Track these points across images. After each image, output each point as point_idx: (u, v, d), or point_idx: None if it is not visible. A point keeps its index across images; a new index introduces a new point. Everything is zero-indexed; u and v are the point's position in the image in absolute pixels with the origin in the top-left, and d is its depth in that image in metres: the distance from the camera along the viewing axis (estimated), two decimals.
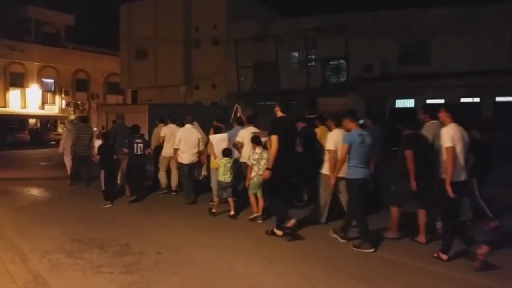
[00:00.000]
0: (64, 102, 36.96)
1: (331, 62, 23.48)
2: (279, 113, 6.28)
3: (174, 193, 9.31)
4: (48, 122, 35.77)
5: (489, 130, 6.98)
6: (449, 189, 4.92)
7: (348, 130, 5.89)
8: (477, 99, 19.78)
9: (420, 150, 5.73)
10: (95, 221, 7.00)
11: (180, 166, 8.61)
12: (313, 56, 24.03)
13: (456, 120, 5.22)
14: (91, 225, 6.65)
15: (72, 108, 36.75)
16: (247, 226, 6.68)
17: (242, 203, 7.66)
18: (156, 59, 29.41)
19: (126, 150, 8.81)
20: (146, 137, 9.91)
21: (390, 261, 5.15)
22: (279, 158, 5.91)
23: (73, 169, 10.91)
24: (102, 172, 8.31)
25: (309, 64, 23.74)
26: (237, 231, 6.41)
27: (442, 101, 20.45)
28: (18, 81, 34.64)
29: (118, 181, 9.42)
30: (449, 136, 5.02)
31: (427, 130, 6.23)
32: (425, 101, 21.00)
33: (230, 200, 7.32)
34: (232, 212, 7.23)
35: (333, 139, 6.21)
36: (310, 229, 6.41)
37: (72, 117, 33.62)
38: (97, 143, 9.21)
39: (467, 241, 5.08)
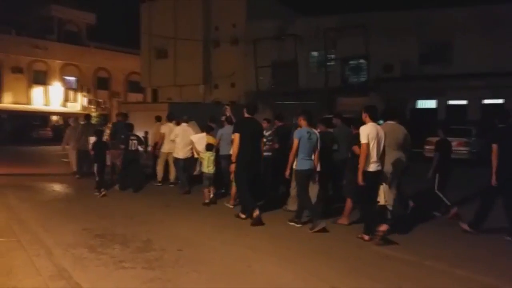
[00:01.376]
0: (85, 100, 37.56)
1: (351, 62, 23.34)
2: (245, 114, 7.27)
3: (172, 185, 10.25)
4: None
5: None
6: (360, 178, 5.70)
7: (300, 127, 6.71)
8: (500, 101, 19.39)
9: None
10: (116, 217, 7.13)
11: (176, 160, 9.73)
12: (332, 56, 23.92)
13: (375, 120, 5.98)
14: (113, 221, 6.76)
15: (94, 106, 37.33)
16: (266, 225, 6.70)
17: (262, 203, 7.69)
18: (176, 58, 29.66)
19: (122, 146, 9.79)
20: None
21: (412, 263, 5.10)
22: (241, 154, 6.87)
23: (78, 162, 11.64)
24: (96, 165, 9.29)
25: (328, 63, 23.63)
26: (256, 229, 6.43)
27: (464, 102, 20.16)
28: (41, 78, 35.32)
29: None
30: (365, 133, 5.74)
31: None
32: (447, 102, 20.72)
33: (210, 190, 8.31)
34: (206, 201, 8.23)
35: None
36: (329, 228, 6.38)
37: (94, 114, 34.16)
38: (92, 139, 10.08)
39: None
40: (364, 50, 21.69)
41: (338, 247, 5.65)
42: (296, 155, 6.48)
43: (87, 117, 12.96)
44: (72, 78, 37.28)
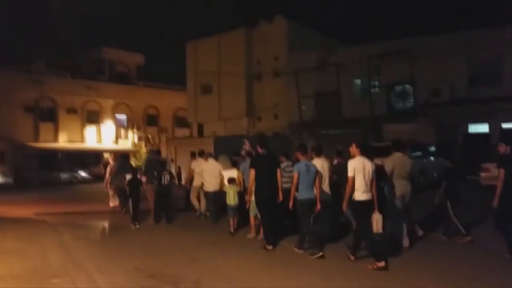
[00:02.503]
0: (136, 137, 38.97)
1: (396, 88, 22.92)
2: (259, 150, 7.81)
3: (203, 217, 10.76)
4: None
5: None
6: (344, 206, 6.40)
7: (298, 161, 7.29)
8: None
9: None
10: (166, 255, 7.18)
11: (206, 193, 10.39)
12: (376, 82, 23.61)
13: (364, 153, 6.36)
14: (163, 260, 6.81)
15: (143, 142, 38.63)
16: (316, 263, 6.51)
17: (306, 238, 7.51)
18: (220, 93, 30.41)
19: (155, 181, 10.43)
20: None
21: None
22: (257, 187, 7.42)
23: (121, 198, 12.06)
24: (131, 200, 10.01)
25: (372, 90, 23.32)
26: (309, 268, 6.25)
27: None
28: (94, 118, 37.11)
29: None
30: (352, 167, 6.26)
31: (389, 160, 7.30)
32: (500, 125, 19.76)
33: (234, 220, 8.83)
34: (232, 230, 8.77)
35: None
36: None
37: (144, 150, 35.32)
38: (128, 176, 10.58)
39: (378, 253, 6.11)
40: (409, 75, 21.28)
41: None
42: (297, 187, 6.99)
43: (124, 156, 13.76)
44: (123, 116, 38.91)
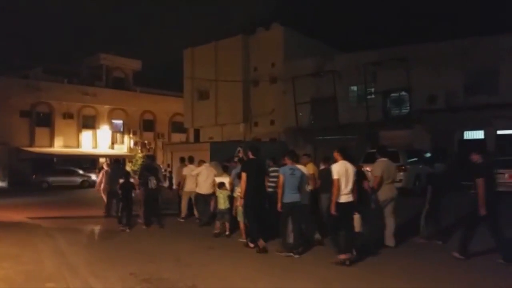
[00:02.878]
0: (132, 142, 38.90)
1: (392, 95, 23.03)
2: (250, 156, 8.24)
3: (198, 221, 10.92)
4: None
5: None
6: (332, 208, 6.62)
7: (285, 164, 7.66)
8: None
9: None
10: (161, 260, 7.16)
11: (198, 195, 10.79)
12: (372, 89, 23.72)
13: (346, 158, 6.83)
14: (158, 265, 6.80)
15: (139, 147, 38.56)
16: (313, 269, 6.52)
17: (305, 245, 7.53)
18: (217, 99, 30.48)
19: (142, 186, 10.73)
20: None
21: None
22: (248, 191, 7.73)
23: (108, 202, 12.33)
24: (121, 203, 10.43)
25: (368, 97, 23.42)
26: (303, 273, 6.26)
27: None
28: (90, 123, 37.02)
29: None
30: (336, 171, 6.68)
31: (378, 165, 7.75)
32: (496, 132, 19.88)
33: (227, 224, 9.14)
34: (227, 232, 9.11)
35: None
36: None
37: (140, 155, 35.29)
38: (121, 180, 10.97)
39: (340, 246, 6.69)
40: (405, 82, 21.39)
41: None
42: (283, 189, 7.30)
43: (117, 161, 13.92)
44: (119, 122, 38.85)
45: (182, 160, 12.56)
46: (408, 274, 6.16)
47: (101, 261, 7.23)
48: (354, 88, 24.55)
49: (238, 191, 8.43)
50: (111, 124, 38.13)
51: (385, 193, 7.54)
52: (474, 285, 5.79)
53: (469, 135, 20.87)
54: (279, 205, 7.35)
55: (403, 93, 22.45)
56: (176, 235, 9.72)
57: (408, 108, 22.29)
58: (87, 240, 9.25)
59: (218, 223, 9.31)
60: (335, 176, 6.63)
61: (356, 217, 6.84)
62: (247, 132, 29.06)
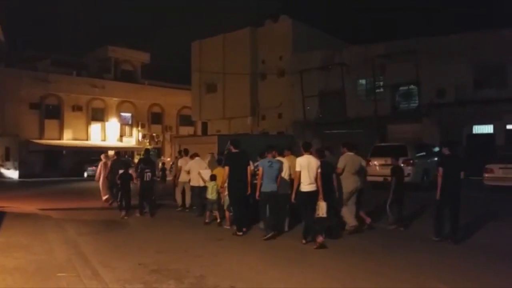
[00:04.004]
0: (140, 135, 39.12)
1: (401, 88, 22.90)
2: (233, 149, 8.71)
3: (187, 210, 11.84)
4: (126, 154, 37.91)
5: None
6: (292, 197, 7.59)
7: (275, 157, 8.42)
8: None
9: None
10: (170, 251, 7.24)
11: (192, 188, 11.46)
12: (381, 83, 23.58)
13: (309, 151, 7.67)
14: (166, 255, 6.88)
15: (147, 140, 38.76)
16: (320, 260, 6.57)
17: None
18: (224, 92, 30.48)
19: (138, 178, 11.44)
20: None
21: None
22: (230, 182, 8.38)
23: (111, 192, 13.14)
24: (120, 192, 11.17)
25: (377, 90, 23.30)
26: (310, 265, 6.31)
27: None
28: (99, 115, 37.24)
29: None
30: (299, 164, 7.48)
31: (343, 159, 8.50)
32: (505, 126, 19.72)
33: (217, 213, 9.74)
34: (218, 220, 9.67)
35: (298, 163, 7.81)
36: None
37: (149, 147, 35.48)
38: (120, 171, 11.81)
39: (315, 231, 7.31)
40: (414, 75, 21.25)
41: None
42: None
43: (117, 153, 15.06)
44: (127, 114, 39.04)
45: (179, 152, 13.49)
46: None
47: (110, 251, 7.34)
48: (363, 81, 24.42)
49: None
50: (119, 116, 38.33)
51: (350, 184, 8.30)
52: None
53: (478, 129, 20.72)
54: (257, 193, 8.04)
55: (412, 86, 22.32)
56: (183, 226, 9.87)
57: (417, 101, 22.16)
58: (96, 231, 9.36)
59: (208, 213, 9.90)
60: (297, 168, 7.44)
61: (322, 204, 7.40)
62: (254, 125, 29.07)
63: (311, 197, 7.42)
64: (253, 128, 28.82)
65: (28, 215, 11.50)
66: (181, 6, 75.93)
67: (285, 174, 8.44)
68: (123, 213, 10.94)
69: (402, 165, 11.93)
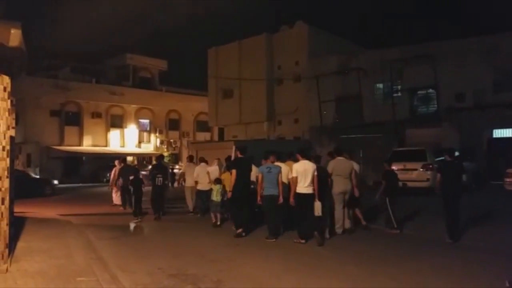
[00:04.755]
0: (158, 141, 39.51)
1: (419, 92, 22.64)
2: (238, 155, 9.37)
3: (191, 213, 12.50)
4: (144, 160, 38.32)
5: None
6: (291, 199, 8.15)
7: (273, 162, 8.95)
8: None
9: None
10: (188, 255, 7.29)
11: (199, 192, 11.91)
12: (399, 87, 23.34)
13: (306, 157, 8.32)
14: (184, 260, 6.92)
15: (165, 146, 39.13)
16: (339, 267, 6.53)
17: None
18: (241, 97, 30.56)
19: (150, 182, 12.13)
20: None
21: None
22: (236, 185, 8.93)
23: (123, 196, 14.03)
24: (133, 197, 11.68)
25: (394, 95, 23.08)
26: (330, 271, 6.28)
27: None
28: (118, 122, 37.76)
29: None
30: (295, 169, 8.12)
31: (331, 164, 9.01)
32: None
33: (218, 214, 10.35)
34: (218, 223, 10.31)
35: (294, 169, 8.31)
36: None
37: (166, 154, 35.89)
38: (131, 177, 12.43)
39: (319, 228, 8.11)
40: (432, 79, 20.99)
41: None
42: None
43: (124, 160, 15.84)
44: (146, 121, 39.50)
45: (187, 159, 14.39)
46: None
47: (129, 255, 7.42)
48: (380, 85, 24.19)
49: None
50: (138, 123, 38.79)
51: (338, 187, 8.80)
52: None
53: (499, 133, 20.32)
54: (258, 198, 8.65)
55: (430, 90, 22.04)
56: (199, 231, 9.92)
57: (436, 106, 21.87)
58: (114, 235, 9.47)
59: (213, 215, 10.45)
60: (294, 174, 8.11)
61: (317, 204, 8.00)
62: (271, 130, 29.06)
63: (308, 198, 8.04)
64: (270, 133, 28.81)
65: (49, 220, 11.70)
66: (198, 13, 76.59)
67: (283, 178, 8.80)
68: (138, 217, 11.43)
69: (424, 169, 12.59)
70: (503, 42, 19.75)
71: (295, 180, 8.08)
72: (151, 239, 9.07)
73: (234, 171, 9.08)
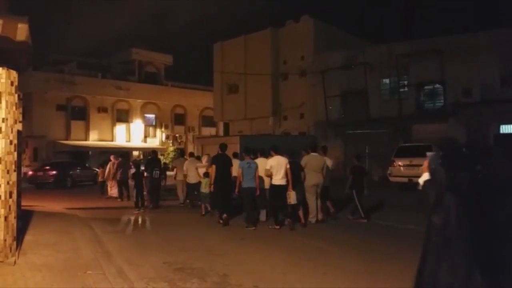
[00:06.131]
0: (164, 135, 39.62)
1: (426, 87, 22.50)
2: (219, 152, 10.29)
3: (182, 205, 13.28)
4: (150, 154, 38.41)
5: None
6: (257, 191, 9.47)
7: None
8: None
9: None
10: (194, 250, 7.32)
11: (188, 184, 12.73)
12: (405, 82, 23.22)
13: (278, 153, 9.28)
14: (190, 254, 6.95)
15: (171, 141, 39.23)
16: (344, 262, 6.53)
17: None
18: (246, 92, 30.56)
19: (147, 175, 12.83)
20: None
21: None
22: (216, 179, 9.87)
23: (120, 189, 15.10)
24: (135, 190, 12.41)
25: (401, 90, 22.96)
26: (336, 267, 6.27)
27: None
28: (124, 117, 37.93)
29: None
30: (269, 164, 9.20)
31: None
32: None
33: (207, 205, 11.21)
34: (203, 212, 11.21)
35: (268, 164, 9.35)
36: None
37: (171, 148, 36.02)
38: (132, 170, 13.70)
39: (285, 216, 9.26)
40: (439, 74, 20.85)
41: None
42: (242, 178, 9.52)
43: (123, 155, 16.90)
44: (151, 116, 39.63)
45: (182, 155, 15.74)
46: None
47: (135, 249, 7.46)
48: (386, 80, 24.09)
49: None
50: (144, 117, 38.93)
51: (311, 180, 9.53)
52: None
53: (506, 128, 20.18)
54: (236, 190, 9.68)
55: (437, 85, 21.90)
56: (205, 225, 9.98)
57: (442, 101, 21.74)
58: (120, 229, 9.55)
59: (202, 205, 11.28)
60: (267, 167, 9.17)
61: (292, 193, 9.01)
62: (276, 125, 29.05)
63: (282, 188, 9.07)
64: (275, 129, 28.80)
65: (56, 214, 11.78)
66: (203, 8, 76.44)
67: (261, 173, 9.67)
68: (140, 209, 12.11)
69: None
70: (510, 37, 19.55)
71: (269, 173, 9.17)
72: (156, 233, 9.10)
73: (213, 167, 10.00)
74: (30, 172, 22.30)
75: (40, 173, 21.86)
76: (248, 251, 7.24)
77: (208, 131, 40.17)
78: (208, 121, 40.27)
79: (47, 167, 22.45)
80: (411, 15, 63.48)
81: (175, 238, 8.39)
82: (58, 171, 21.79)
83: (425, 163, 4.34)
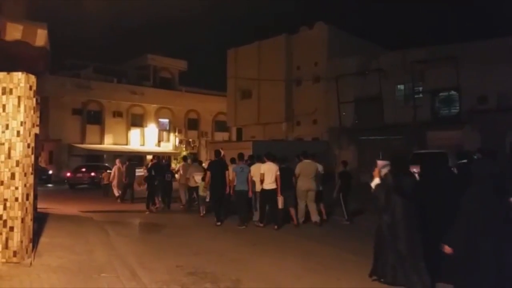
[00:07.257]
0: (177, 140, 39.86)
1: (441, 94, 22.28)
2: (214, 158, 11.33)
3: (182, 206, 13.74)
4: (164, 159, 38.69)
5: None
6: (250, 193, 10.36)
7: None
8: None
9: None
10: (207, 254, 7.34)
11: (189, 188, 13.20)
12: (420, 88, 23.02)
13: (271, 159, 9.98)
14: (203, 258, 6.97)
15: (184, 145, 39.45)
16: (355, 268, 6.48)
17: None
18: (259, 98, 30.59)
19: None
20: None
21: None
22: (211, 184, 10.59)
23: (124, 191, 15.92)
24: (147, 193, 13.12)
25: (416, 96, 22.76)
26: (349, 272, 6.24)
27: None
28: (138, 121, 38.24)
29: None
30: (263, 169, 9.80)
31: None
32: None
33: (205, 207, 11.73)
34: (202, 214, 11.73)
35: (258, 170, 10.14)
36: None
37: (184, 153, 36.20)
38: (145, 174, 14.23)
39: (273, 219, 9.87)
40: (454, 81, 20.63)
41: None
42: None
43: (130, 159, 17.58)
44: (165, 120, 39.90)
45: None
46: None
47: (148, 253, 7.51)
48: (401, 87, 23.89)
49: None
50: (158, 122, 39.21)
51: (303, 185, 10.12)
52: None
53: None
54: (231, 192, 10.46)
55: (452, 92, 21.67)
56: (218, 230, 9.98)
57: (458, 108, 21.49)
58: (134, 233, 9.65)
59: (201, 207, 11.81)
60: (261, 171, 9.78)
61: (280, 198, 9.77)
62: (289, 131, 29.01)
63: (271, 193, 9.77)
64: (288, 134, 28.76)
65: (70, 216, 11.90)
66: (217, 14, 76.95)
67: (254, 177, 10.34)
68: (151, 209, 12.87)
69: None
70: None
71: (262, 178, 9.79)
72: (170, 237, 9.14)
73: (208, 173, 10.74)
74: (68, 174, 25.48)
75: (79, 175, 24.98)
76: (261, 256, 7.24)
77: (221, 136, 40.28)
78: (221, 126, 40.41)
79: (83, 169, 25.55)
80: (426, 22, 63.04)
81: (188, 242, 8.42)
82: (95, 173, 24.37)
83: (376, 170, 5.30)
